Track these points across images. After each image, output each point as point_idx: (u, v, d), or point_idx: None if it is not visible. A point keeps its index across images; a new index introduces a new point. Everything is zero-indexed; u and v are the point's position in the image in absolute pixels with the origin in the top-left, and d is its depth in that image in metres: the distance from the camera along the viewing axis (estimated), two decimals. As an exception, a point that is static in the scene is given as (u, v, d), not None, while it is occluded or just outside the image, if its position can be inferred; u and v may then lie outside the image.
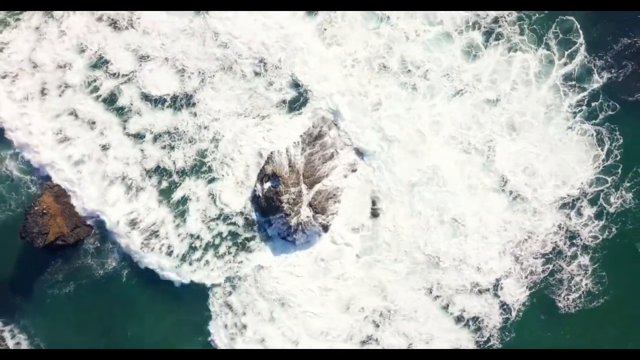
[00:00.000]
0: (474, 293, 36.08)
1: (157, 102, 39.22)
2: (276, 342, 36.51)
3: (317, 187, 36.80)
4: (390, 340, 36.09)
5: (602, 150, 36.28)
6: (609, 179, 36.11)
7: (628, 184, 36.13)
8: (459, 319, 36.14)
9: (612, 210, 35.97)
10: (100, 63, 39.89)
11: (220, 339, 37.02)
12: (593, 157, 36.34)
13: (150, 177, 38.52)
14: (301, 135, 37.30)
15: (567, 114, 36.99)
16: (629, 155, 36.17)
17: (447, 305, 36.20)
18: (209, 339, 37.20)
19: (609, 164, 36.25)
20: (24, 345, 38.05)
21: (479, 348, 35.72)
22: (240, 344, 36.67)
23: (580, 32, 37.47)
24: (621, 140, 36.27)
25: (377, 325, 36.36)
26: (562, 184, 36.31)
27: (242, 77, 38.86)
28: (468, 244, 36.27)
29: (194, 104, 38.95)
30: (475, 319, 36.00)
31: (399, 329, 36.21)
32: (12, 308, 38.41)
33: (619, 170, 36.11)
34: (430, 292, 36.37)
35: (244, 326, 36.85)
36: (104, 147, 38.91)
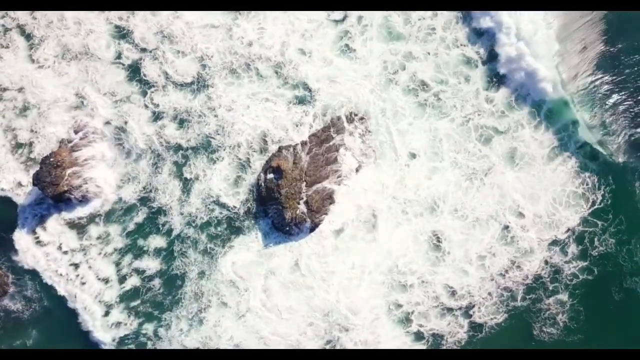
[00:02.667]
0: (444, 312, 36.59)
1: (175, 82, 41.24)
2: (240, 337, 37.67)
3: (316, 186, 38.27)
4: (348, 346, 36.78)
5: (597, 194, 36.41)
6: (599, 223, 36.10)
7: (613, 230, 36.06)
8: (420, 336, 36.67)
9: (595, 252, 36.01)
10: (125, 34, 42.37)
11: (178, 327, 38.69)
12: (587, 200, 36.49)
13: (166, 153, 40.64)
14: (309, 136, 38.93)
15: (569, 155, 37.32)
16: (619, 201, 36.31)
17: (410, 323, 36.78)
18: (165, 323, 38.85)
19: (599, 208, 36.32)
20: (28, 285, 40.60)
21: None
22: (196, 336, 38.21)
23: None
24: (614, 185, 36.40)
25: (340, 331, 37.09)
26: (550, 227, 36.61)
27: (258, 75, 40.74)
28: (448, 267, 36.90)
29: (209, 89, 40.82)
30: (438, 336, 36.42)
31: (356, 339, 36.83)
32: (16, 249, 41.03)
33: (610, 215, 36.13)
34: (390, 310, 37.04)
35: (203, 318, 38.34)
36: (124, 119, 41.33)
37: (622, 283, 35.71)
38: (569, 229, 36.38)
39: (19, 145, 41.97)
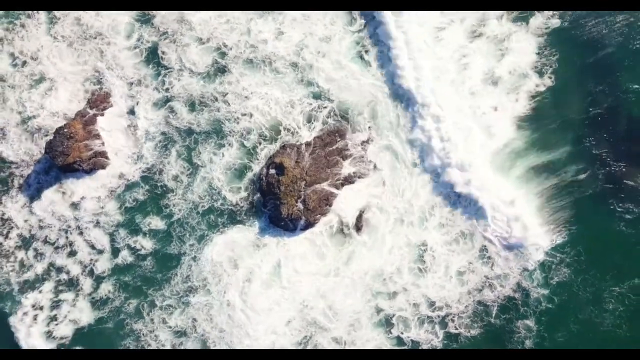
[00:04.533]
0: (422, 320, 37.14)
1: (190, 67, 42.84)
2: (223, 326, 38.58)
3: (315, 186, 39.41)
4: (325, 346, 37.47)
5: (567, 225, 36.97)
6: (559, 255, 36.37)
7: (568, 260, 36.35)
8: (399, 340, 37.20)
9: (553, 282, 36.20)
10: (147, 19, 44.36)
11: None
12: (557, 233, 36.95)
13: (177, 136, 42.14)
14: (314, 138, 40.33)
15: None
16: (581, 234, 36.63)
17: (390, 327, 37.38)
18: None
19: (565, 241, 36.62)
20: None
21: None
22: (181, 318, 39.21)
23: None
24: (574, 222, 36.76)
25: (318, 331, 37.82)
26: (520, 257, 37.08)
27: (273, 70, 42.34)
28: (430, 279, 37.57)
29: (224, 75, 42.45)
30: (415, 342, 36.92)
31: (331, 337, 37.69)
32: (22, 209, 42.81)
33: (567, 248, 36.34)
34: (373, 314, 37.76)
35: (189, 302, 39.43)
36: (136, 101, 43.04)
37: (577, 314, 35.93)
38: (537, 261, 36.72)
39: (29, 117, 43.59)
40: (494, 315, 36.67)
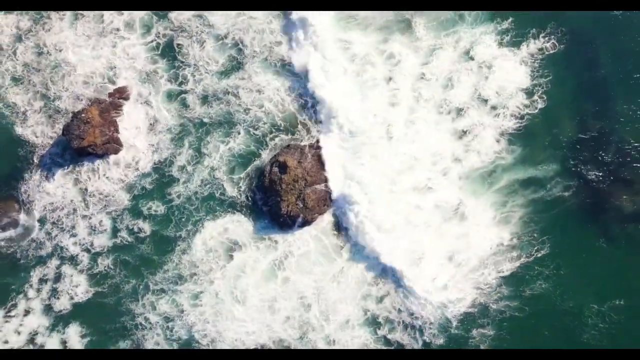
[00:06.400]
0: (406, 325, 38.07)
1: (206, 61, 44.56)
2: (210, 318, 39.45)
3: (314, 186, 40.93)
4: (319, 346, 38.31)
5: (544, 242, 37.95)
6: (538, 268, 37.37)
7: (547, 272, 37.30)
8: (386, 341, 38.07)
9: (527, 294, 37.06)
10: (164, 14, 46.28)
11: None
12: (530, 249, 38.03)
13: (190, 127, 43.84)
14: (317, 140, 42.19)
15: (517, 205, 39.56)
16: (563, 249, 37.72)
17: (379, 327, 38.25)
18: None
19: (546, 254, 37.68)
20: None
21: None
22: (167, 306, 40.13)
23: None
24: (552, 235, 37.96)
25: (311, 330, 38.61)
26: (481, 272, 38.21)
27: (287, 73, 44.18)
28: (413, 287, 38.52)
29: (239, 71, 44.17)
30: (400, 344, 37.69)
31: (328, 337, 38.42)
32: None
33: (547, 261, 37.34)
34: (362, 316, 38.64)
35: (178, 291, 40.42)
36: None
37: (553, 323, 36.73)
38: (498, 277, 37.77)
39: (51, 99, 45.23)
40: (454, 326, 37.45)
